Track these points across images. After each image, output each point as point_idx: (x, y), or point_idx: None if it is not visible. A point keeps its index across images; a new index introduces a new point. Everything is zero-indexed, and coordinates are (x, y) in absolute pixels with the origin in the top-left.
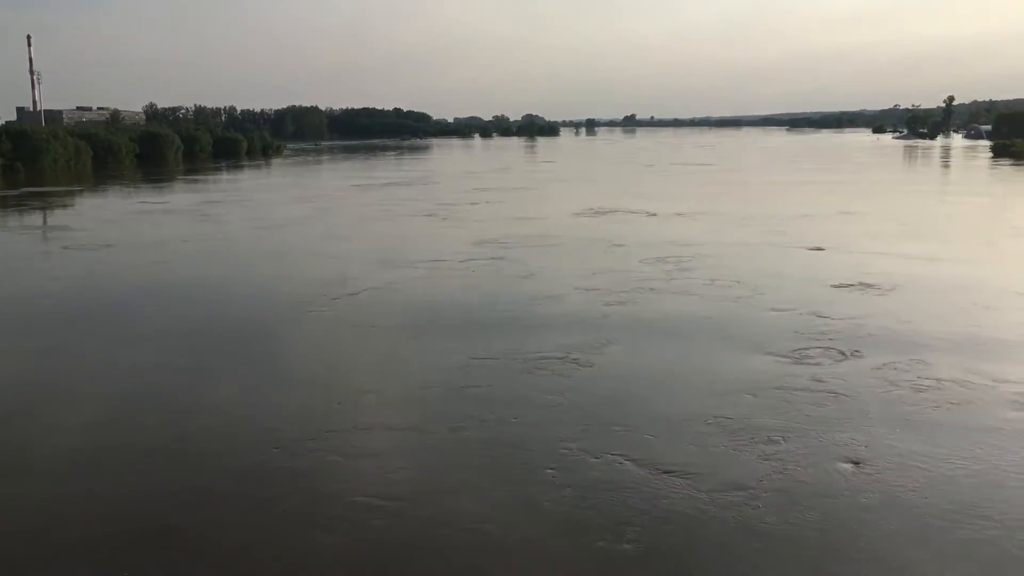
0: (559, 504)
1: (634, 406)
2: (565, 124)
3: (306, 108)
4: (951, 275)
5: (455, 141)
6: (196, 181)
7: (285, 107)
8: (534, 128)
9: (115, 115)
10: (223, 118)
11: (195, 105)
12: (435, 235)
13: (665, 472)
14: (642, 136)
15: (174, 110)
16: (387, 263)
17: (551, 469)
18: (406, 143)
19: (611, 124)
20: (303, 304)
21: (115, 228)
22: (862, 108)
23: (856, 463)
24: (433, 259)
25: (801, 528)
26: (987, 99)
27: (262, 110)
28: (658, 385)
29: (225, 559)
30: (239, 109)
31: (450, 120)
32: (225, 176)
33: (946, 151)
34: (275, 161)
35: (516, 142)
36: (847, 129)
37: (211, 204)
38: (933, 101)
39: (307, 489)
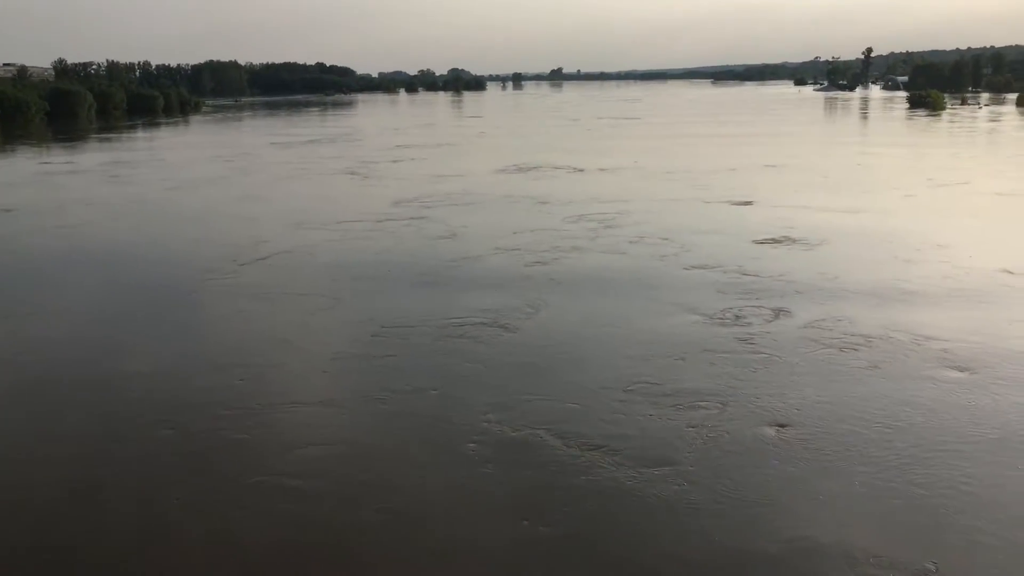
0: (480, 482)
1: (557, 373)
2: (492, 78)
3: (225, 63)
4: (874, 228)
5: (380, 96)
6: (109, 140)
7: (203, 62)
8: (460, 82)
9: (23, 71)
10: (137, 74)
11: (107, 60)
12: (354, 194)
13: (588, 445)
14: (569, 90)
15: (85, 66)
16: (302, 225)
17: (472, 444)
18: (330, 99)
19: (538, 78)
20: (208, 271)
21: (16, 191)
22: (784, 60)
23: (786, 428)
24: (351, 220)
25: (728, 503)
26: (904, 51)
27: (178, 65)
28: (582, 350)
29: (117, 558)
30: (154, 64)
31: (375, 75)
32: (140, 134)
33: (865, 102)
34: (194, 118)
35: (442, 97)
36: (770, 81)
37: (122, 164)
38: (852, 53)
39: (205, 473)
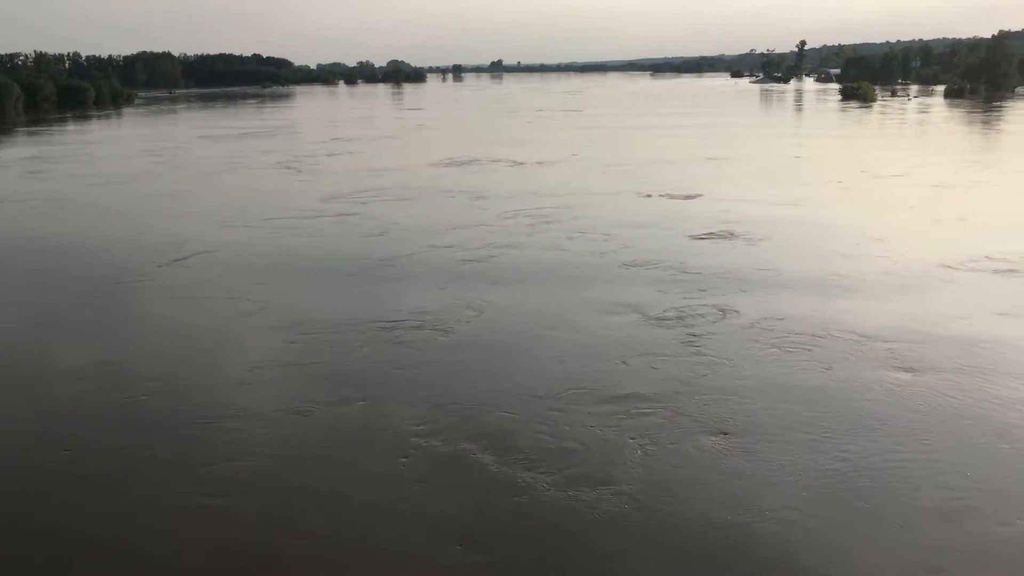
0: (411, 503)
1: (493, 381)
2: (432, 70)
3: (158, 54)
4: (814, 221)
5: (319, 88)
6: (36, 133)
7: (135, 53)
8: (400, 74)
9: None
10: (67, 65)
11: (35, 51)
12: (285, 190)
13: (525, 462)
14: (509, 82)
15: (11, 57)
16: (228, 222)
17: (403, 459)
18: (267, 91)
19: (478, 70)
20: (124, 272)
21: None
22: (721, 53)
23: (730, 436)
24: (279, 216)
25: (670, 524)
26: (836, 44)
27: (110, 56)
28: (519, 355)
29: None
30: (84, 55)
31: (313, 67)
32: (70, 127)
33: (799, 94)
34: (127, 110)
35: (382, 89)
36: (707, 74)
37: (45, 159)
38: (786, 46)
39: (110, 497)
